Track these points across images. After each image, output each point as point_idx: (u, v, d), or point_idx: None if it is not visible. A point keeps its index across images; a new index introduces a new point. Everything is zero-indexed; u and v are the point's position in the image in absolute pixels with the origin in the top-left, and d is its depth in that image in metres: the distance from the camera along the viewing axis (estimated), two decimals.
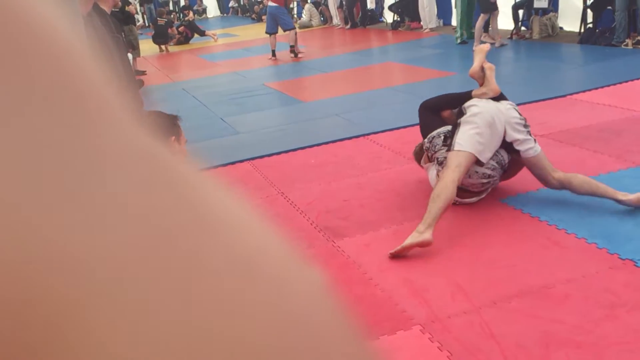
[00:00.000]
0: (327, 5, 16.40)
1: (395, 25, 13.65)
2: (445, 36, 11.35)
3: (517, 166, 3.48)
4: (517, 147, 3.34)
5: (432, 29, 12.44)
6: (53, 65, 0.14)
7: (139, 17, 18.94)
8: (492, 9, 9.03)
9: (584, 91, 5.87)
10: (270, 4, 10.49)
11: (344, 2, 14.92)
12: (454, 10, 11.64)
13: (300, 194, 4.03)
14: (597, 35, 8.47)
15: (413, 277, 2.80)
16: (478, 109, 3.36)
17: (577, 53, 8.27)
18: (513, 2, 9.92)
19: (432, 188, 3.63)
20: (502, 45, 9.22)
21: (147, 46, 13.55)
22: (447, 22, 12.68)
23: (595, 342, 2.23)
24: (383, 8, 15.10)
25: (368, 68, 9.13)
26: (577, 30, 9.27)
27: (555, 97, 5.70)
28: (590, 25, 8.86)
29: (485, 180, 3.40)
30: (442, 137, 3.49)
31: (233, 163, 4.85)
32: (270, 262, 0.16)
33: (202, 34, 15.44)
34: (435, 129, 3.58)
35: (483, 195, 3.49)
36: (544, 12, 9.74)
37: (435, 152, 3.50)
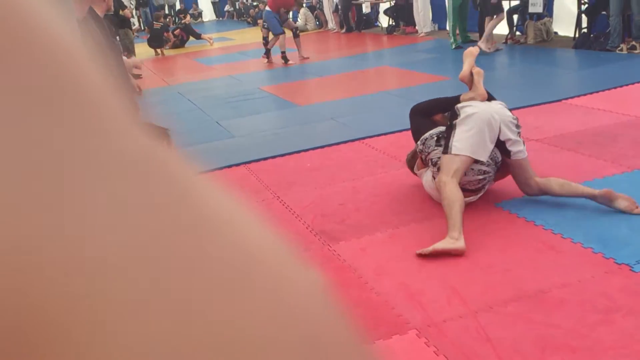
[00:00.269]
0: (322, 10, 16.42)
1: (390, 30, 13.68)
2: (440, 41, 11.38)
3: (507, 168, 3.50)
4: (509, 148, 3.35)
5: (427, 34, 12.47)
6: (54, 68, 0.14)
7: (134, 20, 18.95)
8: (497, 11, 9.03)
9: (578, 96, 5.89)
10: (266, 8, 10.58)
11: (339, 7, 14.96)
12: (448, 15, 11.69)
13: (295, 197, 4.03)
14: (592, 40, 8.51)
15: (409, 281, 2.80)
16: (473, 109, 3.37)
17: (572, 58, 8.31)
18: (508, 7, 9.96)
19: (427, 192, 3.64)
20: (497, 50, 9.25)
21: (142, 49, 13.54)
22: (442, 26, 12.71)
23: (590, 347, 2.23)
24: (378, 12, 15.14)
25: (363, 72, 9.14)
26: (571, 35, 9.31)
27: (550, 102, 5.72)
28: (585, 30, 8.90)
29: (481, 177, 3.41)
30: (435, 138, 3.50)
31: (229, 167, 4.85)
32: (268, 262, 0.16)
33: (198, 36, 15.45)
34: (427, 131, 3.59)
35: (481, 193, 3.49)
36: (538, 17, 9.77)
37: (429, 153, 3.50)
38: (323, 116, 6.25)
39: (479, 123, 3.30)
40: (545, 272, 2.75)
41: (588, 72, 7.17)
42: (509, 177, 3.54)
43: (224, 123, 6.49)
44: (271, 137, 5.67)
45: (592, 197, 3.26)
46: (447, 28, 11.71)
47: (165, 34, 14.86)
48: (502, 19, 9.19)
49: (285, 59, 10.46)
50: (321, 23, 16.81)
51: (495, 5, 9.00)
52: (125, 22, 10.94)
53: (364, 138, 5.26)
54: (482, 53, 9.19)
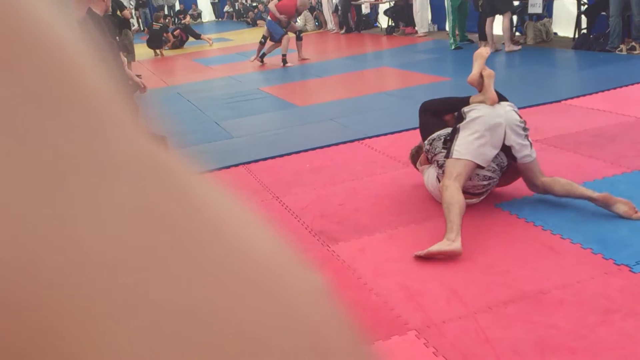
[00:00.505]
0: (321, 10, 16.43)
1: (389, 30, 13.69)
2: (439, 41, 11.39)
3: (513, 172, 3.50)
4: (515, 153, 3.34)
5: (426, 34, 12.48)
6: (56, 70, 0.13)
7: (134, 21, 18.95)
8: (510, 7, 9.01)
9: (578, 96, 5.89)
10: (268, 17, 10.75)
11: (339, 7, 14.96)
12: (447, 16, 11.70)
13: (295, 198, 4.03)
14: (591, 40, 8.51)
15: (408, 282, 2.80)
16: (478, 112, 3.34)
17: (572, 58, 8.31)
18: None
19: (428, 190, 3.63)
20: (496, 50, 9.25)
21: (142, 50, 13.54)
22: (441, 27, 12.72)
23: (590, 348, 2.23)
24: (378, 13, 15.15)
25: (363, 73, 9.15)
26: (571, 35, 9.31)
27: (550, 103, 5.72)
28: (585, 31, 8.90)
29: (485, 182, 3.41)
30: (442, 140, 3.46)
31: (228, 167, 4.85)
32: (271, 265, 0.16)
33: (198, 37, 15.47)
34: (435, 131, 3.54)
35: (483, 197, 3.49)
36: (538, 17, 9.78)
37: (435, 154, 3.48)
38: (322, 117, 6.26)
39: (482, 128, 3.28)
40: (545, 273, 2.75)
41: (587, 73, 7.17)
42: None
43: (223, 124, 6.50)
44: (270, 138, 5.67)
45: (591, 200, 3.25)
46: (447, 28, 11.73)
47: (164, 34, 14.86)
48: (510, 16, 9.16)
49: (284, 61, 10.46)
50: (320, 24, 16.82)
51: (507, 1, 8.96)
52: (125, 23, 10.93)
53: (363, 139, 5.26)
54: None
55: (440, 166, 3.40)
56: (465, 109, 3.41)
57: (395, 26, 13.63)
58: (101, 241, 0.13)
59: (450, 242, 2.91)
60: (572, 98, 5.86)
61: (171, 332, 0.13)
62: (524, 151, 3.35)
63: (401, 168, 4.38)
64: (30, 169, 0.12)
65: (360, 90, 7.55)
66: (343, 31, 14.95)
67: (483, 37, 9.54)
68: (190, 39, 15.72)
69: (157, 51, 14.30)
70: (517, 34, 10.05)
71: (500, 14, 8.94)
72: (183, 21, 16.85)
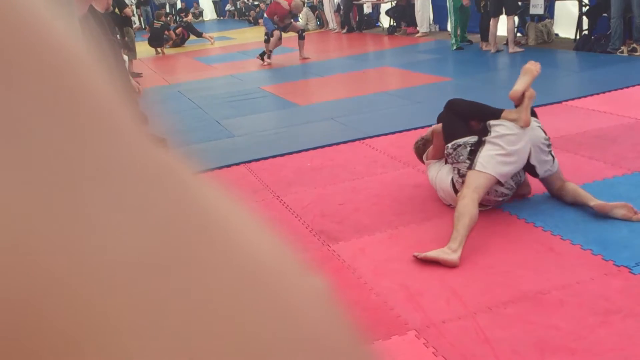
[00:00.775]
0: (323, 10, 16.42)
1: (391, 30, 13.68)
2: (441, 41, 11.39)
3: (524, 189, 3.54)
4: (538, 171, 3.35)
5: (427, 34, 12.47)
6: (61, 71, 0.13)
7: (135, 19, 18.95)
8: (517, 9, 9.01)
9: (579, 98, 5.89)
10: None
11: (341, 7, 14.96)
12: (449, 16, 11.68)
13: (295, 197, 4.03)
14: (593, 42, 8.51)
15: (408, 282, 2.80)
16: (505, 129, 3.27)
17: (573, 60, 8.31)
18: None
19: (434, 188, 3.62)
20: (497, 50, 9.25)
21: (143, 48, 13.54)
22: (443, 27, 12.72)
23: (589, 349, 2.23)
24: (379, 13, 15.14)
25: (364, 72, 9.14)
26: (572, 36, 9.31)
27: (551, 104, 5.71)
28: (586, 32, 8.90)
29: (500, 199, 3.40)
30: (469, 149, 3.33)
31: (228, 166, 4.85)
32: (274, 268, 0.16)
33: (200, 35, 15.46)
34: (462, 136, 3.39)
35: (488, 207, 3.47)
36: (539, 18, 9.77)
37: (458, 162, 3.36)
38: (323, 116, 6.25)
39: (507, 147, 3.23)
40: (545, 274, 2.75)
41: (589, 74, 7.17)
42: None
43: (224, 122, 6.49)
44: (271, 137, 5.67)
45: (590, 207, 3.25)
46: (448, 29, 11.72)
47: (166, 32, 14.86)
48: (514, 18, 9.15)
49: (268, 56, 10.48)
50: (322, 23, 16.81)
51: (514, 2, 8.95)
52: (126, 21, 10.94)
53: (364, 138, 5.26)
54: (488, 53, 9.24)
55: (461, 175, 3.33)
56: (492, 122, 3.32)
57: (397, 26, 13.62)
58: (105, 244, 0.13)
59: (451, 252, 2.89)
60: (572, 99, 5.85)
61: (173, 333, 0.13)
62: (546, 166, 3.35)
63: (402, 168, 4.38)
64: (35, 173, 0.12)
65: (361, 90, 7.55)
66: (345, 31, 14.94)
67: (485, 38, 9.53)
68: (192, 37, 15.72)
69: (158, 49, 14.29)
70: (519, 34, 10.04)
71: (508, 15, 8.93)
72: (185, 19, 16.84)
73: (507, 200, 3.48)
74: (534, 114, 3.41)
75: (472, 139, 3.36)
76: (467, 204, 3.05)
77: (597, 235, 3.05)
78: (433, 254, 2.90)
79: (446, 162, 3.54)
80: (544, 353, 2.22)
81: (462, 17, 10.11)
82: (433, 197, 3.70)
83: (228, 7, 26.16)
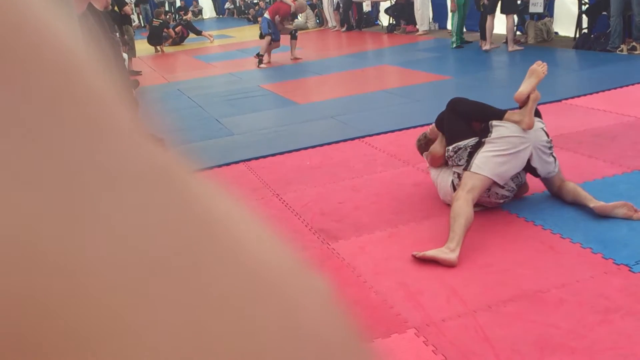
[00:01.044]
0: (323, 8, 16.42)
1: (390, 29, 13.68)
2: (440, 40, 11.39)
3: (525, 189, 3.54)
4: (540, 173, 3.35)
5: (426, 32, 12.47)
6: (60, 72, 0.13)
7: (134, 17, 18.93)
8: (515, 9, 9.00)
9: (578, 96, 5.89)
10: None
11: (340, 5, 14.95)
12: (449, 14, 11.68)
13: (295, 195, 4.03)
14: (592, 40, 8.51)
15: (408, 281, 2.80)
16: (507, 130, 3.25)
17: (572, 58, 8.31)
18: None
19: (436, 188, 3.61)
20: (492, 47, 9.27)
21: (142, 46, 13.54)
22: (442, 25, 12.71)
23: (589, 347, 2.23)
24: (379, 11, 15.14)
25: (363, 71, 9.14)
26: (572, 35, 9.31)
27: (550, 102, 5.71)
28: (586, 31, 8.90)
29: (501, 201, 3.40)
30: (468, 151, 3.31)
31: (228, 164, 4.85)
32: (276, 269, 0.16)
33: (199, 33, 15.46)
34: (463, 139, 3.37)
35: (488, 207, 3.47)
36: (539, 16, 9.77)
37: (459, 165, 3.35)
38: (323, 114, 6.25)
39: (507, 148, 3.22)
40: (544, 272, 2.75)
41: (588, 73, 7.17)
42: None
43: (223, 120, 6.49)
44: (271, 135, 5.67)
45: (590, 208, 3.25)
46: (448, 27, 11.72)
47: (165, 30, 14.85)
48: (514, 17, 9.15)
49: (259, 61, 10.42)
50: (322, 21, 16.81)
51: (511, 1, 8.96)
52: (126, 19, 10.93)
53: (363, 136, 5.26)
54: (486, 52, 9.24)
55: (460, 177, 3.32)
56: (495, 122, 3.30)
57: (397, 24, 13.62)
58: (105, 248, 0.12)
59: (449, 252, 2.89)
60: (572, 98, 5.86)
61: (178, 332, 0.13)
62: (548, 168, 3.35)
63: (401, 166, 4.38)
64: (36, 175, 0.12)
65: (360, 88, 7.55)
66: (344, 29, 14.94)
67: (484, 37, 9.53)
68: (191, 35, 15.71)
69: (158, 47, 14.29)
70: (518, 33, 10.04)
71: (503, 13, 8.93)
72: (184, 17, 16.83)
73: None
74: (538, 114, 3.38)
75: (473, 140, 3.34)
76: (462, 205, 3.05)
77: (597, 234, 3.05)
78: (431, 253, 2.90)
79: (447, 165, 3.54)
80: (544, 351, 2.22)
81: (464, 14, 10.10)
82: (432, 196, 3.70)
83: (227, 5, 26.16)
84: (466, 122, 3.43)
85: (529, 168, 3.34)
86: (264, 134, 5.76)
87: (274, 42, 10.46)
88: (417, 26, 12.71)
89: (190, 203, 0.15)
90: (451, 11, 9.84)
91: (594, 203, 3.23)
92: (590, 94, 5.92)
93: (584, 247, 2.94)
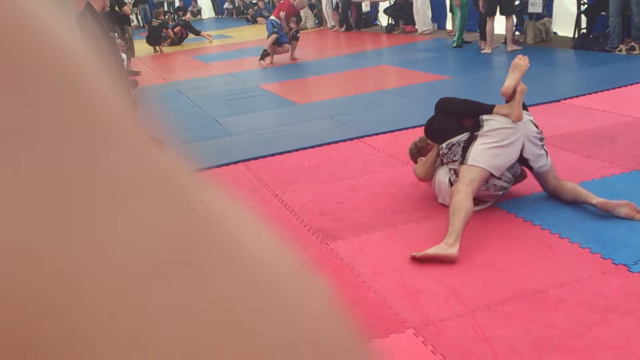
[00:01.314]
0: (322, 8, 16.42)
1: (389, 29, 13.68)
2: (439, 40, 11.39)
3: (521, 177, 3.52)
4: (532, 164, 3.36)
5: (426, 32, 12.47)
6: (61, 73, 0.13)
7: (133, 17, 18.92)
8: (514, 10, 9.02)
9: (577, 96, 5.89)
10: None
11: (339, 5, 14.95)
12: (448, 14, 11.67)
13: (294, 195, 4.03)
14: (591, 40, 8.51)
15: (407, 280, 2.80)
16: (497, 123, 3.30)
17: (571, 58, 8.31)
18: None
19: (434, 191, 3.62)
20: (495, 47, 9.27)
21: (141, 47, 13.53)
22: (441, 26, 12.72)
23: (588, 347, 2.23)
24: (378, 11, 15.14)
25: (362, 71, 9.14)
26: (571, 35, 9.31)
27: (549, 102, 5.72)
28: (584, 31, 8.90)
29: (500, 193, 3.42)
30: (462, 146, 3.35)
31: (227, 164, 4.85)
32: (278, 274, 0.16)
33: (198, 33, 15.45)
34: (456, 135, 3.40)
35: (489, 204, 3.48)
36: (538, 17, 9.77)
37: (454, 160, 3.38)
38: (322, 114, 6.25)
39: (499, 140, 3.25)
40: (543, 272, 2.75)
41: (587, 73, 7.18)
42: None
43: (222, 121, 6.49)
44: (270, 135, 5.67)
45: (592, 205, 3.25)
46: (448, 27, 11.72)
47: (164, 30, 14.84)
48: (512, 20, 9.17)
49: (263, 55, 10.42)
50: (321, 21, 16.81)
51: (510, 3, 8.97)
52: (124, 19, 10.93)
53: (362, 137, 5.26)
54: (485, 53, 9.24)
55: (456, 172, 3.34)
56: (485, 117, 3.35)
57: (395, 24, 13.62)
58: (107, 248, 0.12)
59: (448, 247, 2.89)
60: (571, 98, 5.86)
61: (177, 339, 0.13)
62: (541, 161, 3.36)
63: (400, 166, 4.38)
64: (37, 176, 0.12)
65: (359, 89, 7.55)
66: (343, 29, 14.94)
67: (484, 37, 9.53)
68: (190, 35, 15.70)
69: (157, 48, 14.28)
70: (517, 33, 10.05)
71: (502, 15, 8.94)
72: (183, 18, 16.82)
73: (506, 194, 3.49)
74: (524, 108, 3.43)
75: (465, 136, 3.39)
76: (462, 199, 3.06)
77: (596, 234, 3.06)
78: (431, 251, 2.90)
79: (442, 163, 3.55)
80: (543, 351, 2.23)
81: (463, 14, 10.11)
82: (431, 196, 3.70)
83: (226, 5, 26.15)
84: (456, 119, 3.47)
85: (522, 161, 3.36)
86: (263, 134, 5.76)
87: (283, 44, 10.45)
88: (417, 27, 12.69)
89: (193, 204, 0.15)
90: (456, 5, 9.82)
91: (596, 199, 3.23)
92: (589, 94, 5.93)
93: (582, 246, 2.94)
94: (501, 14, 8.94)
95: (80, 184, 0.13)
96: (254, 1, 22.16)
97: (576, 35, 9.04)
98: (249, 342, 0.14)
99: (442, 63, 9.14)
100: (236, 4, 25.14)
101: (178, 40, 15.57)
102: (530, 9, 9.55)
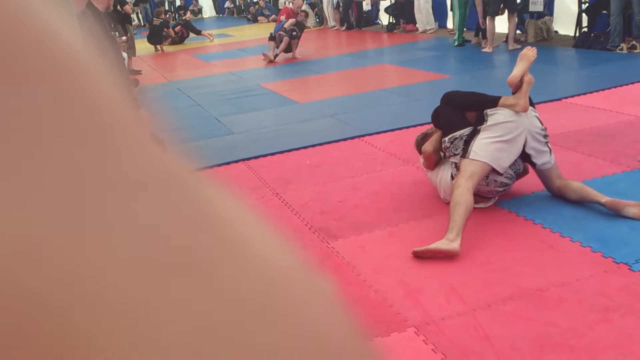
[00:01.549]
0: (322, 7, 16.41)
1: (390, 28, 13.68)
2: (441, 39, 11.38)
3: (523, 173, 3.51)
4: (534, 160, 3.34)
5: (427, 31, 12.45)
6: (63, 73, 0.13)
7: (134, 16, 18.92)
8: (516, 8, 9.01)
9: (578, 95, 5.89)
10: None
11: (340, 4, 14.95)
12: (449, 13, 11.66)
13: (295, 194, 4.03)
14: (592, 39, 8.50)
15: (407, 279, 2.80)
16: (501, 117, 3.28)
17: (572, 57, 8.31)
18: None
19: (434, 185, 3.61)
20: (496, 46, 9.27)
21: (142, 46, 13.53)
22: (442, 24, 12.71)
23: (588, 346, 2.23)
24: (379, 10, 15.13)
25: (363, 70, 9.14)
26: (572, 34, 9.31)
27: (550, 101, 5.72)
28: (585, 29, 8.90)
29: (501, 189, 3.40)
30: (464, 140, 3.34)
31: (228, 163, 4.85)
32: (283, 275, 0.16)
33: (199, 33, 15.44)
34: (458, 129, 3.39)
35: (492, 202, 3.47)
36: (539, 15, 9.76)
37: (455, 154, 3.37)
38: (323, 113, 6.25)
39: (503, 134, 3.23)
40: (544, 271, 2.75)
41: (588, 71, 7.17)
42: None
43: (223, 119, 6.49)
44: (271, 134, 5.67)
45: (601, 205, 3.23)
46: (449, 26, 11.71)
47: (165, 29, 14.84)
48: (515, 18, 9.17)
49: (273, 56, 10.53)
50: (321, 20, 16.80)
51: (514, 1, 8.96)
52: (125, 18, 10.93)
53: (363, 135, 5.26)
54: (486, 52, 9.23)
55: (457, 167, 3.33)
56: (489, 111, 3.33)
57: (396, 23, 13.61)
58: (112, 249, 0.12)
59: (449, 242, 2.90)
60: (572, 96, 5.85)
61: (181, 343, 0.13)
62: (544, 158, 3.34)
63: (401, 165, 4.38)
64: (39, 176, 0.12)
65: (360, 88, 7.55)
66: (344, 28, 14.93)
67: (478, 34, 9.54)
68: (191, 35, 15.70)
69: (158, 47, 14.28)
70: (518, 32, 10.04)
71: (510, 13, 8.93)
72: (183, 17, 16.82)
73: (507, 191, 3.48)
74: (531, 103, 3.41)
75: (468, 130, 3.37)
76: (462, 193, 3.05)
77: (597, 232, 3.05)
78: (433, 246, 2.91)
79: (444, 157, 3.54)
80: (543, 350, 2.23)
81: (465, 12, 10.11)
82: (432, 194, 3.70)
83: (227, 4, 26.14)
84: (461, 113, 3.45)
85: (524, 157, 3.34)
86: (263, 133, 5.76)
87: (292, 39, 10.57)
88: (419, 26, 12.68)
89: (195, 203, 0.15)
90: None
91: (605, 199, 3.21)
92: (590, 92, 5.92)
93: (583, 245, 2.94)
94: (509, 13, 8.92)
95: (83, 183, 0.13)
96: (255, 0, 22.16)
97: (577, 34, 9.03)
98: (253, 340, 0.14)
99: (443, 62, 9.13)
100: (237, 3, 25.14)
101: (179, 39, 15.57)
102: (531, 8, 9.54)
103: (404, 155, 4.52)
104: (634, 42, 7.81)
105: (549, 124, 4.95)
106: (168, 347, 0.13)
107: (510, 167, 3.34)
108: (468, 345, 2.29)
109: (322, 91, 7.63)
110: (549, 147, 3.37)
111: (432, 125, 3.66)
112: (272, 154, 4.99)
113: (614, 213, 3.18)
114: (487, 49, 9.28)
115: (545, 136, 3.36)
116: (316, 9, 17.01)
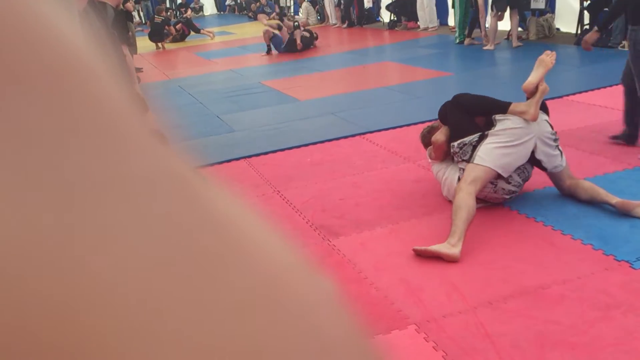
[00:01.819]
0: (324, 4, 16.40)
1: (392, 25, 13.66)
2: (442, 36, 11.37)
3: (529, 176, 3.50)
4: (545, 165, 3.31)
5: (429, 29, 12.44)
6: (65, 73, 0.13)
7: (135, 14, 18.91)
8: (520, 6, 9.00)
9: (580, 92, 5.88)
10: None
11: (341, 1, 14.93)
12: (450, 11, 11.65)
13: (296, 192, 4.03)
14: None
15: (408, 277, 2.80)
16: (510, 124, 3.25)
17: (574, 54, 8.29)
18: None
19: (438, 182, 3.60)
20: (497, 43, 9.26)
21: (143, 43, 13.52)
22: (443, 22, 12.69)
23: (589, 343, 2.23)
24: (380, 7, 15.11)
25: (364, 67, 9.13)
26: (573, 31, 9.29)
27: (552, 98, 5.69)
28: (587, 27, 8.88)
29: (507, 197, 3.39)
30: (472, 145, 3.30)
31: (229, 161, 4.85)
32: (287, 276, 0.16)
33: (199, 31, 15.44)
34: (469, 134, 3.34)
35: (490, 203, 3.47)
36: (541, 13, 9.75)
37: (464, 160, 3.33)
38: (323, 111, 6.25)
39: (510, 140, 3.21)
40: (545, 269, 2.75)
41: (590, 69, 7.16)
42: None
43: (224, 117, 6.49)
44: (271, 132, 5.67)
45: (611, 205, 3.22)
46: (451, 23, 11.70)
47: (166, 27, 14.84)
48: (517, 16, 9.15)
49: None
50: (323, 17, 16.79)
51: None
52: (127, 16, 10.92)
53: (364, 133, 5.26)
54: (487, 49, 9.22)
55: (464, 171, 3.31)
56: (498, 116, 3.30)
57: (398, 21, 13.60)
58: (115, 250, 0.12)
59: (450, 247, 2.88)
60: (574, 94, 5.85)
61: (186, 342, 0.13)
62: (555, 162, 3.32)
63: (402, 163, 4.38)
64: (51, 187, 0.12)
65: (361, 85, 7.55)
66: (345, 25, 14.92)
67: (469, 34, 9.55)
68: (192, 32, 15.70)
69: (159, 44, 14.28)
70: (520, 29, 10.03)
71: (514, 9, 8.92)
72: (185, 15, 16.81)
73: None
74: (545, 109, 3.37)
75: (477, 136, 3.33)
76: (464, 197, 3.04)
77: (598, 230, 3.05)
78: (434, 248, 2.90)
79: (453, 161, 3.51)
80: (544, 348, 2.23)
81: (466, 9, 10.09)
82: (433, 192, 3.70)
83: (228, 2, 26.13)
84: (470, 117, 3.41)
85: (534, 161, 3.32)
86: (264, 130, 5.76)
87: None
88: (421, 23, 12.66)
89: (199, 201, 0.15)
90: None
91: (615, 200, 3.19)
92: (592, 90, 5.92)
93: (584, 243, 2.94)
94: (511, 9, 8.91)
95: (89, 181, 0.12)
96: None
97: (579, 31, 9.02)
98: (257, 338, 0.14)
99: (445, 59, 9.12)
100: (238, 1, 25.11)
101: (180, 37, 15.57)
102: (533, 5, 9.52)
103: (405, 152, 4.52)
104: None
105: (551, 122, 4.95)
106: (174, 345, 0.13)
107: (518, 174, 3.31)
108: (469, 342, 2.30)
109: (323, 89, 7.63)
110: (559, 149, 3.34)
111: (438, 120, 3.64)
112: (273, 152, 4.99)
113: (624, 213, 3.15)
114: (488, 47, 9.27)
115: (555, 140, 3.32)
116: (317, 7, 16.99)
